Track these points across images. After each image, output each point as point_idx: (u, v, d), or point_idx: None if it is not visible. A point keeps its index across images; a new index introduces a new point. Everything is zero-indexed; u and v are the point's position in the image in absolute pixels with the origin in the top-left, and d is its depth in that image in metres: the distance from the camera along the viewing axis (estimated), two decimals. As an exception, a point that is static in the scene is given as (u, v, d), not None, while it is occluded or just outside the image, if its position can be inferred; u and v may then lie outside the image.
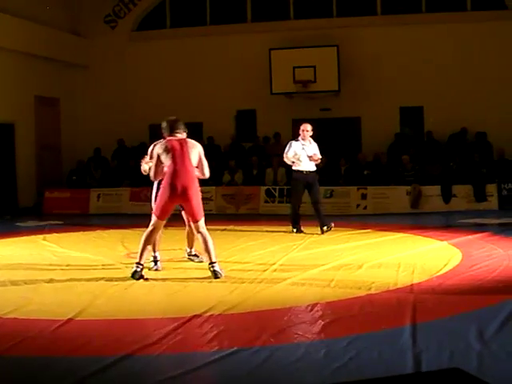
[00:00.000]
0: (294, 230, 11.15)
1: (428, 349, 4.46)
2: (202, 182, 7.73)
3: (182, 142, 7.26)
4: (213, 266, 7.16)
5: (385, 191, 15.34)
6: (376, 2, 17.74)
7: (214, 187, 15.55)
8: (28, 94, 16.97)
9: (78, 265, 8.37)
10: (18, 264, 8.45)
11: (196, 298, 6.35)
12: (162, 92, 18.25)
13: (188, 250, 8.65)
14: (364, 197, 15.30)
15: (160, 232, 7.73)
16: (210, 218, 7.25)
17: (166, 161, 7.16)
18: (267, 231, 11.65)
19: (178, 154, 7.15)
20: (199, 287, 6.84)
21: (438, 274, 7.20)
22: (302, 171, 11.08)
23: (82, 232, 12.34)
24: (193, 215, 7.27)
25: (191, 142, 7.35)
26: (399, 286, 6.61)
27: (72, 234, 12.06)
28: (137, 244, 10.02)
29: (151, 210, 8.15)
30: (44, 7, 17.20)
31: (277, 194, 15.73)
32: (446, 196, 14.94)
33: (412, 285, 6.62)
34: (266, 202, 15.79)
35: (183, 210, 7.90)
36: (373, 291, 6.40)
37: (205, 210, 7.45)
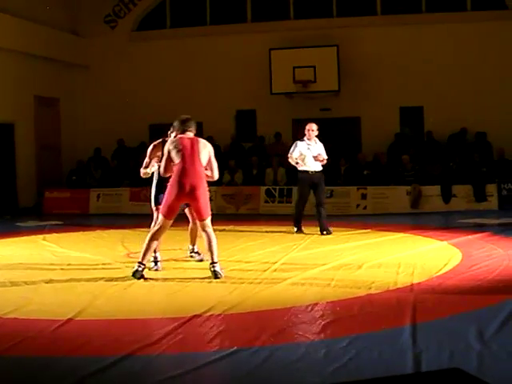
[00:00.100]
0: (295, 229, 11.13)
1: (428, 349, 4.46)
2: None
3: (193, 141, 7.25)
4: (214, 266, 7.16)
5: (385, 191, 15.34)
6: (376, 2, 17.73)
7: (213, 187, 15.54)
8: (28, 94, 16.97)
9: (78, 265, 8.37)
10: (18, 264, 8.44)
11: (196, 298, 6.35)
12: (161, 92, 18.25)
13: (190, 247, 8.66)
14: (364, 197, 15.30)
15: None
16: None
17: (176, 158, 7.13)
18: (267, 231, 11.65)
19: (188, 153, 7.13)
20: (199, 287, 6.84)
21: (438, 273, 7.20)
22: (307, 171, 11.01)
23: (81, 232, 12.33)
24: (200, 214, 7.25)
25: (202, 141, 7.34)
26: (399, 285, 6.61)
27: (72, 234, 12.06)
28: (137, 244, 10.06)
29: (151, 210, 8.17)
30: (44, 7, 17.20)
31: (277, 194, 15.72)
32: (446, 196, 14.94)
33: (412, 285, 6.62)
34: (266, 202, 15.79)
35: (188, 207, 7.92)
36: (373, 291, 6.40)
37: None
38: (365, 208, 15.18)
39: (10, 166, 16.59)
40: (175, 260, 8.49)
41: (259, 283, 6.90)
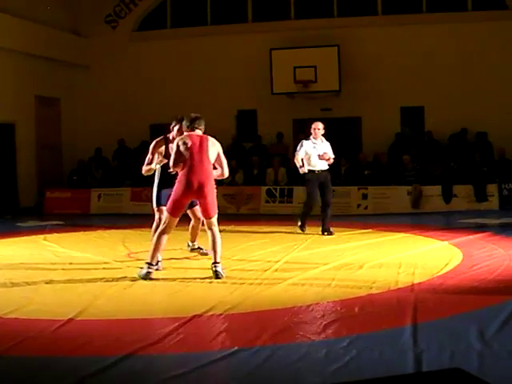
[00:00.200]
0: (299, 224, 11.07)
1: (429, 349, 4.46)
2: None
3: (202, 138, 7.23)
4: (215, 266, 7.14)
5: (385, 191, 15.34)
6: (377, 2, 17.73)
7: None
8: (28, 94, 16.98)
9: (79, 265, 8.37)
10: (18, 264, 8.45)
11: (197, 297, 6.35)
12: (162, 92, 18.26)
13: (190, 244, 8.66)
14: (365, 197, 15.30)
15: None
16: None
17: (184, 154, 7.13)
18: (268, 231, 11.65)
19: (196, 150, 7.12)
20: (200, 287, 6.84)
21: (439, 273, 7.19)
22: (314, 171, 10.94)
23: (82, 232, 12.33)
24: (207, 212, 7.23)
25: (211, 139, 7.32)
26: (400, 285, 6.61)
27: (73, 234, 12.06)
28: (138, 244, 10.11)
29: (152, 210, 8.17)
30: (44, 7, 17.21)
31: (277, 194, 15.73)
32: (447, 196, 14.94)
33: (413, 285, 6.61)
34: (267, 201, 15.79)
35: (190, 208, 7.92)
36: (373, 291, 6.39)
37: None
38: (366, 208, 15.18)
39: (10, 165, 16.60)
40: (176, 259, 8.48)
41: (260, 283, 6.90)
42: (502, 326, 4.99)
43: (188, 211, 8.13)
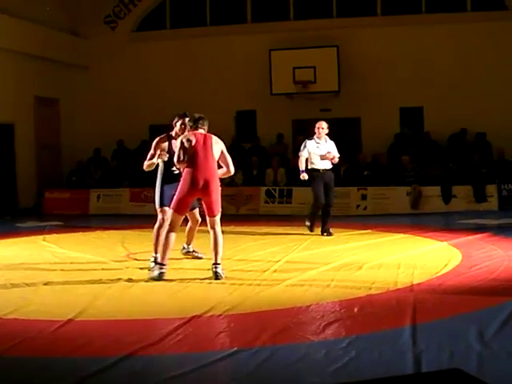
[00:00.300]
0: (308, 224, 10.95)
1: (428, 349, 4.46)
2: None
3: (205, 137, 7.25)
4: (216, 267, 7.13)
5: (385, 192, 15.34)
6: (376, 2, 17.74)
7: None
8: (28, 95, 16.98)
9: (78, 265, 8.37)
10: (17, 264, 8.45)
11: (196, 298, 6.35)
12: (161, 93, 18.25)
13: (185, 247, 8.65)
14: (364, 197, 15.31)
15: (163, 231, 7.77)
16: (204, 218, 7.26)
17: (189, 152, 7.13)
18: (267, 232, 11.65)
19: (200, 148, 7.13)
20: (199, 288, 6.84)
21: (438, 274, 7.20)
22: (318, 170, 10.86)
23: (81, 233, 12.33)
24: (211, 209, 7.21)
25: (215, 137, 7.33)
26: (399, 286, 6.61)
27: (72, 234, 12.05)
28: (137, 245, 10.12)
29: (154, 210, 8.16)
30: (44, 8, 17.20)
31: (277, 195, 15.74)
32: (446, 196, 14.94)
33: (412, 285, 6.61)
34: (266, 202, 15.80)
35: (190, 210, 7.93)
36: (373, 292, 6.40)
37: (203, 211, 7.43)
38: (365, 209, 15.18)
39: (9, 166, 16.59)
40: (176, 260, 8.46)
41: (259, 284, 6.90)
42: (501, 326, 4.99)
43: (187, 213, 8.12)
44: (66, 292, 6.75)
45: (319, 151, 10.83)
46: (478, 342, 4.60)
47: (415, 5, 17.55)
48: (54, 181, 17.80)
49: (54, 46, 17.42)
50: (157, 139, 8.07)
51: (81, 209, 16.49)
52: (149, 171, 8.26)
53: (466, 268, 7.53)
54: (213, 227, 7.22)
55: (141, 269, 7.87)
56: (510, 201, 14.77)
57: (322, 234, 10.86)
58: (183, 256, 8.67)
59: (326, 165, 10.91)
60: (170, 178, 7.90)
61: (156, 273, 7.15)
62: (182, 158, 7.18)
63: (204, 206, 7.30)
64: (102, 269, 8.03)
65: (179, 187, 7.21)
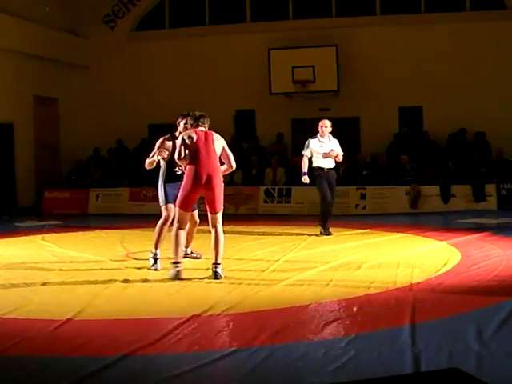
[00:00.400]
0: (322, 231, 10.75)
1: (427, 349, 4.47)
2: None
3: (206, 133, 7.26)
4: (216, 267, 7.11)
5: (384, 191, 15.35)
6: (375, 1, 17.74)
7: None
8: (27, 94, 16.98)
9: (77, 265, 8.37)
10: (17, 264, 8.44)
11: (195, 297, 6.35)
12: (161, 92, 18.26)
13: (184, 249, 8.64)
14: (363, 197, 15.31)
15: (166, 228, 7.83)
16: (205, 218, 7.25)
17: (190, 148, 7.13)
18: (266, 231, 11.65)
19: (202, 144, 7.14)
20: (198, 287, 6.84)
21: (437, 273, 7.20)
22: (322, 168, 10.78)
23: (80, 232, 12.33)
24: (213, 206, 7.19)
25: (216, 134, 7.34)
26: (398, 285, 6.61)
27: (71, 234, 12.05)
28: (136, 244, 10.12)
29: (159, 209, 8.17)
30: (43, 7, 17.20)
31: (276, 194, 15.74)
32: (445, 196, 14.95)
33: (411, 285, 6.62)
34: (265, 202, 15.80)
35: (195, 209, 7.93)
36: (372, 291, 6.40)
37: (203, 210, 7.44)
38: (364, 208, 15.19)
39: (9, 165, 16.59)
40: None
41: (258, 283, 6.90)
42: (500, 326, 4.99)
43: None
44: (65, 291, 6.75)
45: (323, 150, 10.76)
46: (476, 342, 4.60)
47: (414, 4, 17.56)
48: (53, 180, 17.80)
49: (53, 46, 17.42)
50: (161, 139, 8.11)
51: (80, 208, 16.48)
52: (151, 171, 8.32)
53: (465, 267, 7.54)
54: (214, 225, 7.19)
55: (138, 268, 7.86)
56: (509, 200, 14.78)
57: (321, 234, 10.83)
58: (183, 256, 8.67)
59: (330, 164, 10.85)
60: (173, 178, 7.97)
61: (173, 272, 7.11)
62: (182, 154, 7.19)
63: (206, 203, 7.27)
64: (101, 268, 8.03)
65: (183, 184, 7.22)
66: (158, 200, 8.28)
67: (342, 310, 5.82)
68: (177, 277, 7.08)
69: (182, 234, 7.28)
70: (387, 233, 11.03)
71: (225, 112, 17.62)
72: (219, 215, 7.23)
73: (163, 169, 8.11)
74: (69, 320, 5.45)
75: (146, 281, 7.17)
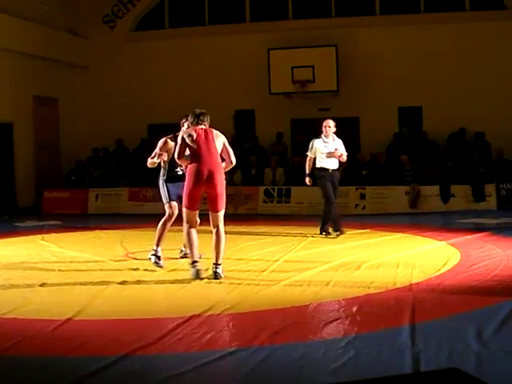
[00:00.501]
0: (338, 233, 10.63)
1: (427, 349, 4.47)
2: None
3: (206, 130, 7.25)
4: (216, 267, 7.10)
5: (383, 191, 15.35)
6: (375, 1, 17.75)
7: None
8: (26, 94, 16.97)
9: (77, 265, 8.37)
10: (16, 264, 8.44)
11: (195, 297, 6.35)
12: (160, 92, 18.27)
13: (183, 250, 8.64)
14: (363, 197, 15.31)
15: (169, 226, 7.89)
16: (207, 218, 7.24)
17: (191, 146, 7.12)
18: (266, 231, 11.65)
19: (202, 141, 7.13)
20: (198, 287, 6.84)
21: (437, 273, 7.20)
22: (327, 169, 10.67)
23: (80, 232, 12.33)
24: (215, 203, 7.14)
25: (215, 131, 7.33)
26: (398, 285, 6.62)
27: (70, 234, 12.05)
28: (135, 244, 10.12)
29: (162, 208, 8.17)
30: (43, 7, 17.20)
31: (275, 194, 15.74)
32: (445, 196, 14.95)
33: (411, 285, 6.62)
34: (265, 202, 15.80)
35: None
36: (371, 291, 6.40)
37: (203, 210, 7.44)
38: (363, 208, 15.18)
39: (8, 165, 16.58)
40: (174, 259, 8.47)
41: (258, 283, 6.90)
42: (499, 326, 4.99)
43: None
44: (65, 291, 6.74)
45: (327, 150, 10.66)
46: (476, 342, 4.60)
47: (414, 4, 17.56)
48: (52, 180, 17.79)
49: (52, 46, 17.41)
50: (164, 139, 8.12)
51: (79, 208, 16.48)
52: (150, 171, 8.38)
53: (465, 267, 7.54)
54: (216, 225, 7.16)
55: (137, 269, 7.85)
56: (509, 200, 14.78)
57: (321, 233, 10.83)
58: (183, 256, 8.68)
59: (334, 164, 10.75)
60: (174, 178, 8.00)
61: (193, 272, 7.08)
62: (182, 154, 7.19)
63: (208, 201, 7.23)
64: (101, 268, 8.03)
65: (186, 183, 7.20)
66: (160, 198, 8.29)
67: (341, 310, 5.81)
68: (197, 276, 7.03)
69: (194, 233, 7.21)
70: (387, 233, 11.03)
71: (224, 112, 17.60)
72: (221, 214, 7.19)
73: (164, 169, 8.13)
74: (68, 320, 5.45)
75: (145, 281, 7.17)
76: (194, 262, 7.14)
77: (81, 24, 19.00)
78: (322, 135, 10.79)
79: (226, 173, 7.41)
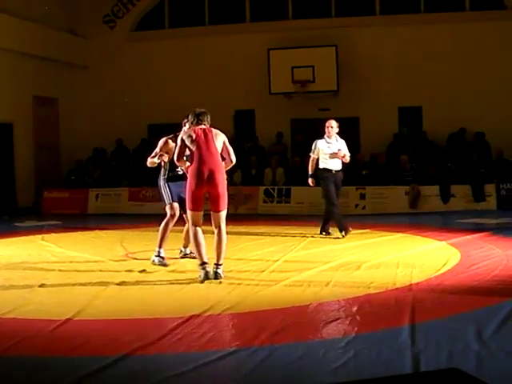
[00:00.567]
0: (343, 233, 10.53)
1: (426, 349, 4.47)
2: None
3: (205, 130, 7.22)
4: (217, 268, 7.07)
5: (383, 191, 15.35)
6: (375, 1, 17.75)
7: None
8: (26, 94, 16.97)
9: (77, 265, 8.37)
10: (16, 264, 8.44)
11: (195, 297, 6.35)
12: (160, 92, 18.27)
13: (183, 250, 8.64)
14: (363, 197, 15.31)
15: (171, 227, 7.94)
16: (209, 218, 7.24)
17: (190, 147, 7.10)
18: (266, 231, 11.64)
19: (202, 141, 7.10)
20: (198, 287, 6.83)
21: (437, 273, 7.20)
22: (330, 170, 10.58)
23: (80, 232, 12.32)
24: (217, 203, 7.11)
25: (215, 130, 7.30)
26: (398, 285, 6.61)
27: (70, 234, 12.05)
28: (135, 244, 10.12)
29: (163, 208, 8.17)
30: (43, 7, 17.20)
31: (275, 194, 15.74)
32: (445, 196, 14.95)
33: (411, 285, 6.62)
34: (265, 202, 15.80)
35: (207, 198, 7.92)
36: (371, 291, 6.40)
37: (207, 210, 7.42)
38: (363, 208, 15.18)
39: (8, 165, 16.58)
40: (174, 259, 8.46)
41: (258, 283, 6.89)
42: (499, 326, 4.99)
43: (184, 215, 8.12)
44: (65, 291, 6.74)
45: (330, 150, 10.58)
46: (476, 342, 4.60)
47: (414, 4, 17.57)
48: (52, 180, 17.79)
49: (52, 46, 17.42)
50: (164, 139, 8.12)
51: (79, 208, 16.48)
52: (150, 171, 8.38)
53: (465, 267, 7.53)
54: (218, 225, 7.12)
55: (138, 270, 7.86)
56: (509, 200, 14.78)
57: (321, 233, 10.83)
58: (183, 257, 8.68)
59: (338, 165, 10.67)
60: (175, 177, 8.01)
61: (202, 274, 7.03)
62: (181, 156, 7.18)
63: (210, 201, 7.20)
64: (101, 268, 8.02)
65: (188, 185, 7.16)
66: (162, 199, 8.29)
67: (341, 310, 5.80)
68: (206, 278, 6.99)
69: (200, 235, 7.14)
70: (387, 233, 11.03)
71: (224, 112, 17.60)
72: (223, 214, 7.16)
73: (165, 169, 8.13)
74: (68, 320, 5.45)
75: (145, 281, 7.17)
76: (204, 263, 7.08)
77: (81, 24, 19.00)
78: (325, 136, 10.71)
79: (226, 172, 7.39)
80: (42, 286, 6.95)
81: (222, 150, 7.25)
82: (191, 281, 7.06)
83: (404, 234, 10.91)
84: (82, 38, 18.87)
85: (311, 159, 10.76)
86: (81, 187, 17.00)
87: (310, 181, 10.84)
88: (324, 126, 10.84)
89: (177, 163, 7.38)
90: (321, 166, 10.67)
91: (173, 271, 7.73)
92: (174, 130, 8.21)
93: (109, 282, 7.04)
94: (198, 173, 7.03)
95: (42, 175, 17.60)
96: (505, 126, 16.06)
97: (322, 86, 17.01)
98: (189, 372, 4.19)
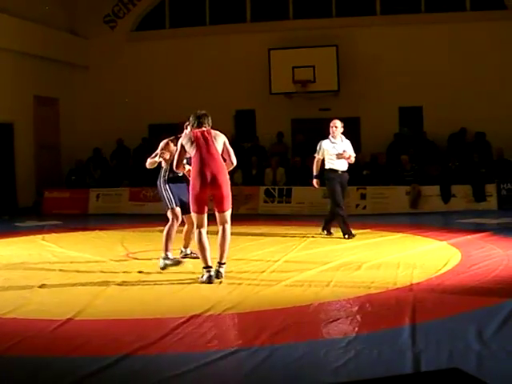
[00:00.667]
0: (346, 236, 10.40)
1: (427, 349, 4.47)
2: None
3: (204, 132, 7.19)
4: (220, 267, 7.07)
5: (384, 191, 15.35)
6: (375, 1, 17.75)
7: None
8: (27, 94, 16.97)
9: (77, 265, 8.37)
10: (17, 264, 8.45)
11: (195, 297, 6.35)
12: (161, 92, 18.27)
13: (183, 250, 8.63)
14: (363, 197, 15.30)
15: (175, 232, 7.88)
16: (209, 218, 7.24)
17: (191, 151, 7.09)
18: (266, 231, 11.64)
19: (202, 143, 7.07)
20: (198, 287, 6.83)
21: (438, 273, 7.20)
22: (336, 170, 10.50)
23: (81, 232, 12.33)
24: (221, 204, 7.09)
25: (214, 131, 7.29)
26: (398, 285, 6.61)
27: (71, 234, 12.05)
28: (136, 244, 10.12)
29: (167, 209, 8.14)
30: (43, 7, 17.20)
31: (276, 194, 15.74)
32: (446, 196, 14.95)
33: (411, 285, 6.62)
34: (266, 202, 15.80)
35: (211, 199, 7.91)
36: (372, 291, 6.40)
37: (210, 210, 7.40)
38: (364, 208, 15.18)
39: (9, 165, 16.58)
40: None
41: (258, 283, 6.90)
42: (500, 326, 4.99)
43: (183, 217, 8.11)
44: (65, 291, 6.74)
45: (335, 151, 10.49)
46: (477, 342, 4.60)
47: (414, 4, 17.56)
48: (53, 180, 17.80)
49: (53, 46, 17.42)
50: (166, 140, 8.11)
51: (80, 208, 16.48)
52: (151, 171, 8.34)
53: (466, 267, 7.53)
54: (222, 224, 7.11)
55: (135, 270, 7.86)
56: (509, 200, 14.78)
57: (323, 231, 10.82)
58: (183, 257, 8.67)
59: (344, 166, 10.59)
60: (175, 179, 7.99)
61: (205, 277, 6.99)
62: (180, 162, 7.18)
63: (214, 202, 7.16)
64: (101, 268, 8.02)
65: (190, 188, 7.13)
66: (161, 200, 8.25)
67: (342, 310, 5.81)
68: (209, 281, 6.95)
69: (205, 238, 7.09)
70: (387, 233, 11.03)
71: (225, 112, 17.60)
72: (227, 214, 7.14)
73: (165, 169, 8.12)
74: (69, 320, 5.45)
75: (146, 281, 7.17)
76: (208, 267, 7.04)
77: (81, 24, 19.00)
78: (330, 136, 10.63)
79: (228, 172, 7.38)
80: (42, 286, 6.96)
81: (223, 151, 7.24)
82: (192, 281, 7.07)
83: (405, 234, 10.91)
84: (82, 37, 18.87)
85: (316, 160, 10.66)
86: (81, 187, 17.00)
87: (314, 182, 10.74)
88: (326, 125, 10.80)
89: (176, 170, 7.36)
90: (327, 166, 10.57)
91: (173, 271, 7.72)
92: (174, 129, 8.21)
93: (109, 282, 7.04)
94: (201, 176, 7.00)
95: (42, 175, 17.61)
96: (505, 125, 16.05)
97: (322, 86, 17.01)
98: (190, 372, 4.19)
